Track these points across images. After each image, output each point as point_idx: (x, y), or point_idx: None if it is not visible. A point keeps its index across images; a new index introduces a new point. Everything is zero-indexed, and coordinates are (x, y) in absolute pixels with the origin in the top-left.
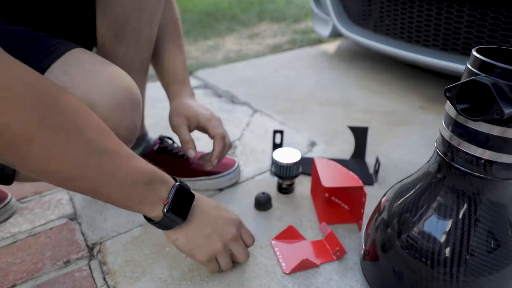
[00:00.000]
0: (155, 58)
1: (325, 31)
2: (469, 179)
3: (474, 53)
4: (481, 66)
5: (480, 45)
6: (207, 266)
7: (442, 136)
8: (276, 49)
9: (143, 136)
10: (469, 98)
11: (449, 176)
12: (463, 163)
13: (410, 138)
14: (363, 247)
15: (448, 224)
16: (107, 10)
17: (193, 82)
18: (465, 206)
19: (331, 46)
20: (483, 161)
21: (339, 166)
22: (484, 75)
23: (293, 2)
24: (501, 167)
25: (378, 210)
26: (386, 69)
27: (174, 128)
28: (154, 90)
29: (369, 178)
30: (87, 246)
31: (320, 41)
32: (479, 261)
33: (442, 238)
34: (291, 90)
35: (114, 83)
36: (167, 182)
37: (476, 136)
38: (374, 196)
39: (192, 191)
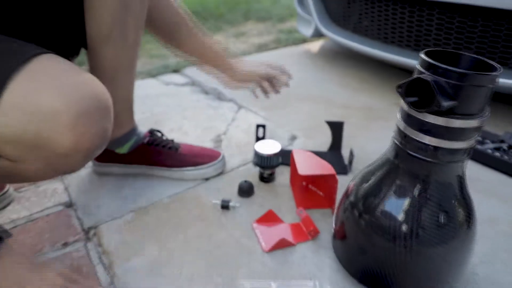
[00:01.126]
0: (189, 46)
1: (308, 31)
2: (420, 163)
3: (421, 55)
4: (427, 66)
5: (448, 46)
6: None
7: (397, 127)
8: (262, 48)
9: (133, 130)
10: (417, 93)
11: (404, 161)
12: (415, 150)
13: (384, 132)
14: (333, 228)
15: (404, 203)
16: (96, 15)
17: (180, 79)
18: (418, 186)
19: (315, 46)
20: (430, 147)
21: (315, 156)
22: (428, 73)
23: (279, 2)
24: (445, 152)
25: (346, 194)
26: (366, 67)
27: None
28: (144, 88)
29: (344, 168)
30: (83, 230)
31: (304, 40)
32: (430, 233)
33: (399, 216)
34: None
35: (80, 91)
36: None
37: (424, 126)
38: (347, 184)
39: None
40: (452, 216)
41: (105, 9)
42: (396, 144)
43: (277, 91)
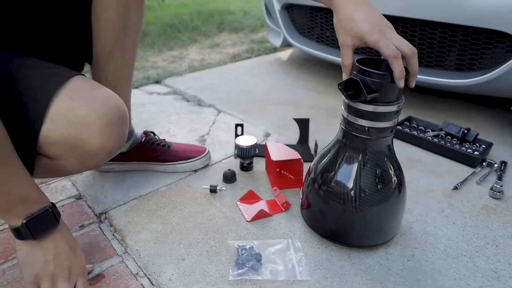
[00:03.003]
0: None
1: (277, 41)
2: (360, 140)
3: (355, 62)
4: (357, 70)
5: None
6: (26, 287)
7: (342, 116)
8: (235, 57)
9: (131, 132)
10: (353, 89)
11: (349, 140)
12: (355, 131)
13: None
14: (301, 200)
15: (351, 171)
16: (100, 36)
17: (162, 89)
18: (360, 157)
19: (285, 54)
20: (366, 128)
21: (285, 146)
22: (359, 75)
23: (250, 13)
24: (376, 131)
25: (308, 173)
26: (330, 73)
27: (340, 45)
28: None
29: (310, 157)
30: (95, 215)
31: (275, 49)
32: (371, 194)
33: (348, 183)
34: (250, 93)
35: (106, 104)
36: (41, 202)
37: (360, 113)
38: None
39: (63, 223)
40: (386, 177)
41: (109, 33)
42: (342, 128)
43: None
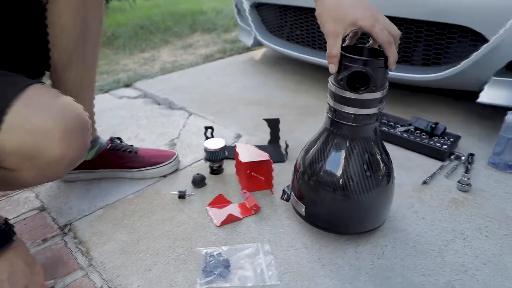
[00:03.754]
0: None
1: (248, 41)
2: (347, 127)
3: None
4: (353, 60)
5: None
6: None
7: (329, 104)
8: (208, 58)
9: (96, 139)
10: (354, 80)
11: (336, 127)
12: (342, 118)
13: (316, 125)
14: (294, 197)
15: (340, 157)
16: (57, 43)
17: (132, 92)
18: (348, 143)
19: (258, 53)
20: (352, 115)
21: (254, 148)
22: (358, 65)
23: (222, 12)
24: (362, 117)
25: (296, 169)
26: (303, 71)
27: (326, 36)
28: (97, 103)
29: (281, 157)
30: (59, 227)
31: (248, 49)
32: (361, 180)
33: (337, 170)
34: (221, 94)
35: (65, 112)
36: None
37: (346, 101)
38: (285, 170)
39: (18, 239)
40: (374, 162)
41: (66, 39)
42: (329, 117)
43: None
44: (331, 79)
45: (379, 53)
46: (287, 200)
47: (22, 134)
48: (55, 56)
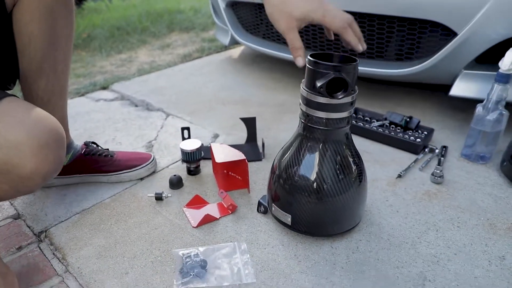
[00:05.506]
0: None
1: (225, 39)
2: (319, 131)
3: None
4: (328, 67)
5: (338, 45)
6: None
7: (301, 110)
8: (186, 58)
9: (70, 144)
10: (332, 86)
11: (309, 132)
12: (314, 123)
13: (293, 122)
14: (271, 199)
15: (313, 160)
16: (25, 52)
17: (109, 95)
18: (320, 146)
19: (236, 52)
20: (323, 120)
21: (229, 147)
22: (334, 71)
23: (200, 11)
24: (333, 122)
25: (272, 171)
26: (280, 68)
27: (283, 33)
28: (73, 106)
29: (258, 156)
30: (34, 234)
31: (226, 48)
32: (334, 182)
33: (311, 173)
34: (199, 94)
35: (39, 126)
36: None
37: (318, 105)
38: (262, 168)
39: None
40: (346, 165)
41: (34, 47)
42: (302, 121)
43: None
44: (303, 85)
45: (347, 59)
46: (265, 212)
47: None
48: (24, 65)
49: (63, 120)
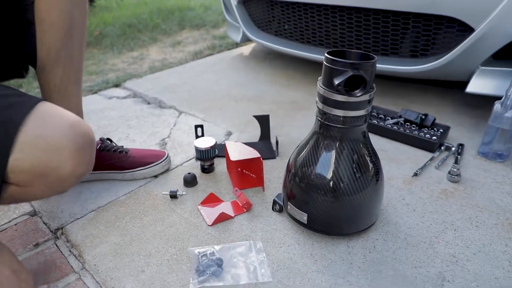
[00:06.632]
0: None
1: (237, 37)
2: (336, 129)
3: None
4: (345, 64)
5: (351, 43)
6: None
7: (318, 107)
8: (197, 55)
9: None
10: (349, 84)
11: (326, 130)
12: (331, 121)
13: (307, 120)
14: (286, 197)
15: (330, 159)
16: (45, 39)
17: (122, 92)
18: (337, 144)
19: (247, 49)
20: (341, 118)
21: (243, 145)
22: (352, 69)
23: (211, 8)
24: (350, 120)
25: (288, 170)
26: (292, 65)
27: None
28: (87, 104)
29: (272, 153)
30: (51, 231)
31: (237, 45)
32: (350, 180)
33: (327, 173)
34: (211, 91)
35: (75, 130)
36: None
37: (336, 103)
38: (276, 166)
39: (4, 247)
40: (363, 163)
41: (53, 36)
42: (318, 119)
43: None
44: (319, 83)
45: (364, 56)
46: (280, 210)
47: (36, 152)
48: (43, 52)
49: (80, 111)
